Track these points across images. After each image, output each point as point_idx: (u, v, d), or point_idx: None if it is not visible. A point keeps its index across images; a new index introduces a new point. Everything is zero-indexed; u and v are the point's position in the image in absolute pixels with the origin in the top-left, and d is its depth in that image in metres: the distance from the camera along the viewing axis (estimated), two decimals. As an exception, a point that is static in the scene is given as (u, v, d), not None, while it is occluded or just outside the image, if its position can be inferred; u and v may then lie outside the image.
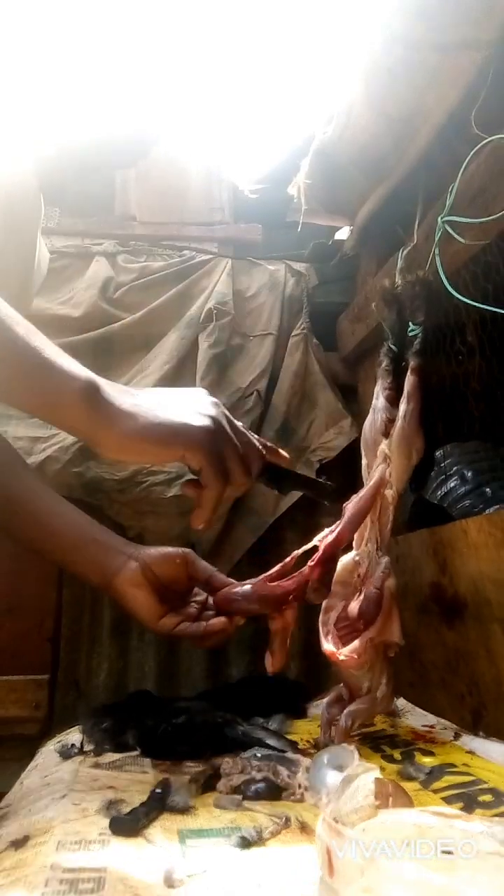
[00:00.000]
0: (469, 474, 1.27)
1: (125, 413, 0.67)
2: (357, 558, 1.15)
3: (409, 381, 1.19)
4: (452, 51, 1.06)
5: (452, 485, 1.29)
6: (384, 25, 1.07)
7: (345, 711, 1.04)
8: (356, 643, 1.03)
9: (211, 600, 0.95)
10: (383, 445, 1.18)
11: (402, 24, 1.06)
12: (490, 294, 1.12)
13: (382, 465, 1.16)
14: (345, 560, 1.16)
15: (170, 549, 0.93)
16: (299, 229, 1.55)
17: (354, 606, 1.08)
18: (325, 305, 1.79)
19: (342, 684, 1.11)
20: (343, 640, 1.06)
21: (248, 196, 1.72)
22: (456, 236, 1.13)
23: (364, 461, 1.25)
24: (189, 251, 1.78)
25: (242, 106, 1.54)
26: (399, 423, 1.17)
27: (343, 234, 1.75)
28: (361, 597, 1.09)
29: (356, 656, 1.02)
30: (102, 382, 0.67)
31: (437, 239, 1.18)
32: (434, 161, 1.28)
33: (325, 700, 1.13)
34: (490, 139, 1.06)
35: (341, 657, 1.03)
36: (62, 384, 0.64)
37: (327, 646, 1.06)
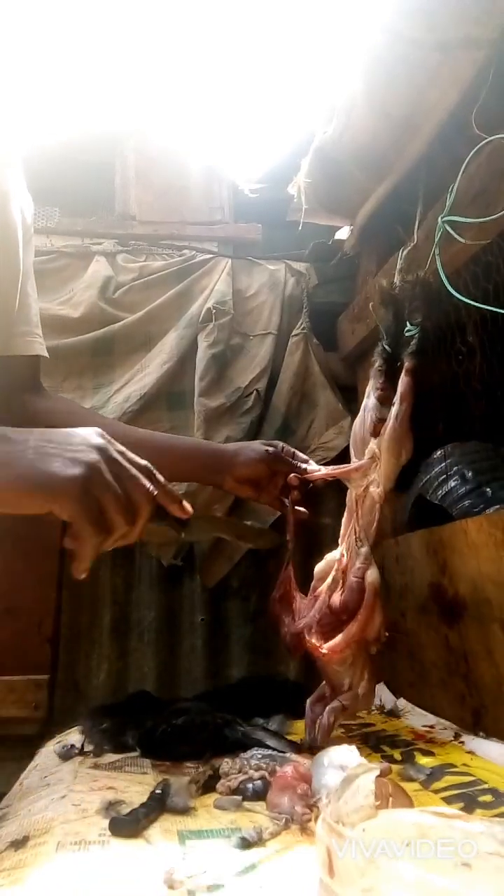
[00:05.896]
0: (469, 474, 1.27)
1: None
2: (340, 554, 1.15)
3: (402, 381, 1.18)
4: (453, 49, 1.05)
5: (453, 485, 1.28)
6: (385, 23, 1.06)
7: (326, 708, 1.03)
8: (339, 638, 1.02)
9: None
10: (372, 444, 1.18)
11: (403, 23, 1.05)
12: (490, 294, 1.12)
13: (367, 462, 1.16)
14: (328, 557, 1.16)
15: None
16: (300, 228, 1.55)
17: (336, 598, 1.07)
18: (325, 305, 1.79)
19: (324, 682, 1.10)
20: (326, 636, 1.05)
21: (248, 195, 1.72)
22: (456, 236, 1.13)
23: (354, 460, 1.25)
24: (189, 250, 1.77)
25: (242, 105, 1.54)
26: (391, 423, 1.16)
27: (343, 233, 1.75)
28: (343, 589, 1.07)
29: (339, 651, 1.01)
30: None
31: (437, 239, 1.18)
32: (434, 160, 1.28)
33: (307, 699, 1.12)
34: (490, 139, 1.05)
35: (324, 651, 1.02)
36: None
37: (310, 639, 1.05)
